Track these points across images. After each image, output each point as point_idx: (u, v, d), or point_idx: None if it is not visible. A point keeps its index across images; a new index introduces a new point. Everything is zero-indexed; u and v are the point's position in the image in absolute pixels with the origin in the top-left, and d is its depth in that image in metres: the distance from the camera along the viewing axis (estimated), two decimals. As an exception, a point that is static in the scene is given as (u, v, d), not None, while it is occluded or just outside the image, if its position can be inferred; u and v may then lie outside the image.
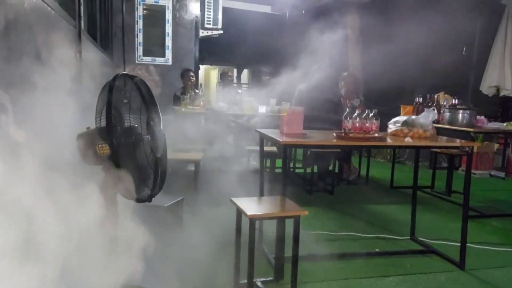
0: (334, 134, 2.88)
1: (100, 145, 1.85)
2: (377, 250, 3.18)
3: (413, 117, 3.05)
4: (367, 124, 3.00)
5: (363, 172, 5.51)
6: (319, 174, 5.07)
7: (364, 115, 3.03)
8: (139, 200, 1.98)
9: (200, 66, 11.04)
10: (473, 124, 4.17)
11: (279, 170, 5.30)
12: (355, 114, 3.02)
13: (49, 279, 1.34)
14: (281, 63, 9.14)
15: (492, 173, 6.27)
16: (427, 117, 3.04)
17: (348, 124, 3.03)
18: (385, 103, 8.20)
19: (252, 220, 2.26)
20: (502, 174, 6.06)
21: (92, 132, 1.90)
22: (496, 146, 6.48)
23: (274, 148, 4.71)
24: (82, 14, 3.39)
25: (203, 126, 5.76)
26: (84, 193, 1.74)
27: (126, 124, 1.91)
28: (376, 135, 2.81)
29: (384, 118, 3.63)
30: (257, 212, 2.28)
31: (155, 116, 2.05)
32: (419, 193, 4.97)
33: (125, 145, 1.89)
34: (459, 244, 3.26)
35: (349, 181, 5.36)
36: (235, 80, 7.64)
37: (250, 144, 6.74)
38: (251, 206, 2.37)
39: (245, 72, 17.84)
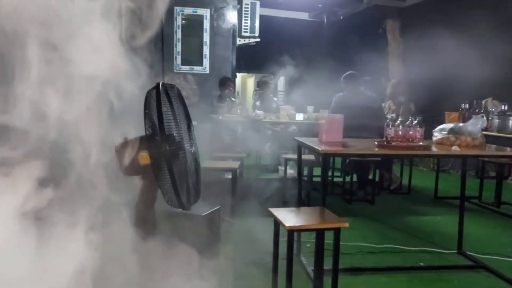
0: (376, 142, 2.77)
1: (141, 154, 1.84)
2: (421, 264, 3.03)
3: (460, 124, 2.90)
4: (410, 132, 2.87)
5: (405, 181, 5.31)
6: (359, 183, 4.93)
7: (407, 123, 2.90)
8: (178, 207, 1.97)
9: (237, 74, 11.12)
10: (525, 131, 3.93)
11: (317, 179, 5.22)
12: (398, 121, 2.89)
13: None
14: (319, 70, 9.06)
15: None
16: (476, 124, 2.87)
17: (390, 132, 2.91)
18: (428, 109, 7.94)
19: (291, 231, 2.20)
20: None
21: (132, 142, 1.90)
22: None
23: (312, 157, 4.62)
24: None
25: (240, 134, 5.74)
26: (119, 204, 1.74)
27: (167, 132, 1.89)
28: (421, 143, 2.68)
29: (427, 125, 3.48)
30: (296, 223, 2.21)
31: (191, 125, 2.03)
32: (466, 204, 4.75)
33: (166, 153, 1.87)
34: (510, 259, 3.08)
35: (390, 191, 5.18)
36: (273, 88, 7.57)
37: (287, 152, 6.69)
38: (289, 217, 2.30)
39: (281, 80, 17.82)
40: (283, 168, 5.65)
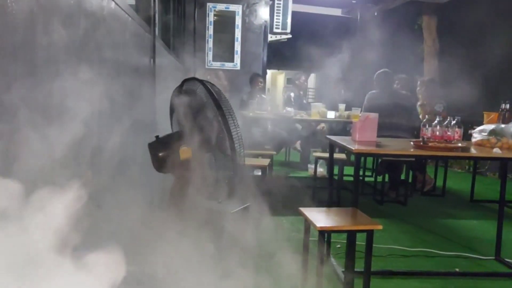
0: (412, 143, 2.68)
1: (183, 149, 1.84)
2: (457, 269, 2.91)
3: (502, 125, 2.77)
4: (448, 133, 2.77)
5: (439, 183, 5.14)
6: (391, 183, 4.81)
7: (445, 123, 2.79)
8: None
9: (267, 70, 11.07)
10: None
11: (348, 178, 5.13)
12: (436, 121, 2.79)
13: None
14: (352, 67, 8.90)
15: None
16: (519, 126, 2.73)
17: (427, 132, 2.81)
18: (465, 109, 7.67)
19: (322, 232, 2.15)
20: None
21: (170, 137, 1.90)
22: None
23: (343, 155, 4.54)
24: (157, 21, 3.48)
25: (270, 131, 5.71)
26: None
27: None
28: (460, 144, 2.58)
29: (465, 126, 3.34)
30: (327, 224, 2.16)
31: (230, 118, 1.99)
32: (505, 209, 4.56)
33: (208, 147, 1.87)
34: (553, 268, 2.93)
35: (423, 192, 5.02)
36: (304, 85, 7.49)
37: (317, 150, 6.61)
38: (320, 218, 2.26)
39: (312, 77, 17.66)
40: (313, 166, 5.59)
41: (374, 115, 2.84)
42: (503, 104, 4.41)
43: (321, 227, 2.12)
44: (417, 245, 3.34)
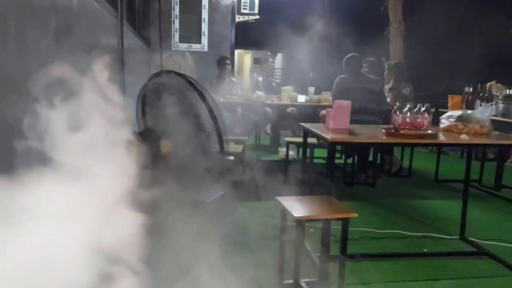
0: (383, 130, 2.73)
1: (163, 143, 1.82)
2: (425, 250, 3.04)
3: (469, 112, 2.87)
4: (418, 119, 2.84)
5: (406, 163, 5.30)
6: (360, 166, 4.91)
7: (415, 109, 2.86)
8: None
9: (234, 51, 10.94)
10: (530, 117, 3.91)
11: (318, 160, 5.21)
12: (406, 108, 2.86)
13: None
14: (318, 48, 8.92)
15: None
16: (484, 112, 2.84)
17: (398, 118, 2.87)
18: (430, 91, 7.88)
19: (300, 221, 2.18)
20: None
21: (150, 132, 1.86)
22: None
23: (314, 139, 4.58)
24: (123, 5, 3.35)
25: (240, 115, 5.68)
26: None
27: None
28: (430, 131, 2.65)
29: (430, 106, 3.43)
30: (304, 213, 2.19)
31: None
32: (462, 188, 4.76)
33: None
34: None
35: (391, 174, 5.18)
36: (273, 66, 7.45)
37: (287, 133, 6.66)
38: (297, 207, 2.28)
39: (279, 57, 17.61)
40: (283, 149, 5.63)
41: (347, 103, 2.88)
42: (467, 88, 4.58)
43: (298, 216, 2.14)
44: (387, 227, 3.45)
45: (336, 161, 5.46)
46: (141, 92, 2.14)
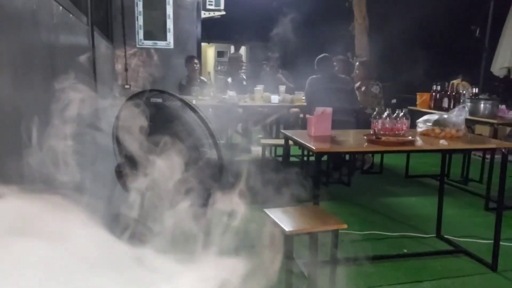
0: (365, 136, 2.76)
1: None
2: (405, 251, 3.13)
3: (445, 116, 2.95)
4: (397, 125, 2.89)
5: (377, 159, 5.42)
6: (334, 164, 4.98)
7: (394, 115, 2.91)
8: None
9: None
10: (496, 115, 4.07)
11: (293, 159, 5.23)
12: (385, 114, 2.90)
13: None
14: (284, 43, 8.91)
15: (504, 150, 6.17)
16: (459, 115, 2.93)
17: (377, 124, 2.92)
18: (396, 89, 8.07)
19: (290, 236, 2.18)
20: (514, 158, 5.99)
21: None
22: (509, 129, 6.38)
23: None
24: (91, 9, 3.19)
25: (211, 115, 5.60)
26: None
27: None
28: (410, 137, 2.70)
29: (403, 106, 3.49)
30: (295, 227, 2.19)
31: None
32: (433, 182, 4.94)
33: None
34: (486, 241, 3.23)
35: (363, 171, 5.27)
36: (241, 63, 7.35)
37: (256, 130, 6.65)
38: (286, 220, 2.28)
39: (243, 49, 17.51)
40: (256, 148, 5.63)
41: (328, 110, 2.89)
42: (434, 86, 4.70)
43: (289, 231, 2.14)
44: (366, 227, 3.52)
45: (310, 158, 5.54)
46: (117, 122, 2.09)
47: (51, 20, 1.80)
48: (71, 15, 2.20)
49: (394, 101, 6.93)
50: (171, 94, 1.86)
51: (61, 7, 1.92)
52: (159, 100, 1.90)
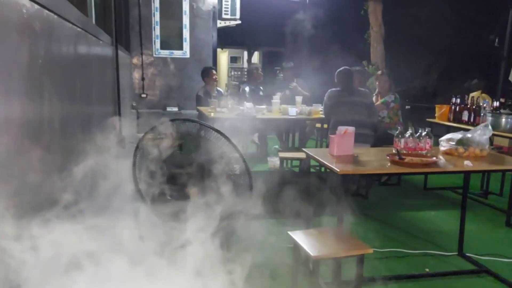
0: (388, 156, 2.76)
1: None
2: (427, 270, 3.11)
3: (468, 135, 2.93)
4: (421, 144, 2.89)
5: (394, 171, 5.38)
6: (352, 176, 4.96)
7: (417, 134, 2.91)
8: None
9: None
10: (517, 129, 4.03)
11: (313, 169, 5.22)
12: (408, 133, 2.90)
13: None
14: (300, 52, 8.92)
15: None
16: (483, 134, 2.91)
17: (400, 143, 2.91)
18: (412, 93, 8.04)
19: (317, 261, 2.19)
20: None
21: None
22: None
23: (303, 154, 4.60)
24: (116, 31, 3.26)
25: (228, 126, 5.62)
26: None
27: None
28: (435, 158, 2.70)
29: (417, 115, 3.43)
30: (321, 252, 2.20)
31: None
32: (452, 195, 4.90)
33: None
34: (509, 260, 3.21)
35: (381, 182, 5.25)
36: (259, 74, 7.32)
37: (272, 138, 6.67)
38: (311, 243, 2.29)
39: (256, 55, 17.56)
40: (273, 159, 5.64)
41: (351, 129, 2.89)
42: (454, 99, 4.67)
43: (315, 256, 2.15)
44: (386, 244, 3.50)
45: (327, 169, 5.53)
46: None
47: (93, 50, 1.86)
48: (101, 42, 2.26)
49: (408, 107, 6.89)
50: (206, 125, 1.90)
51: (94, 38, 1.97)
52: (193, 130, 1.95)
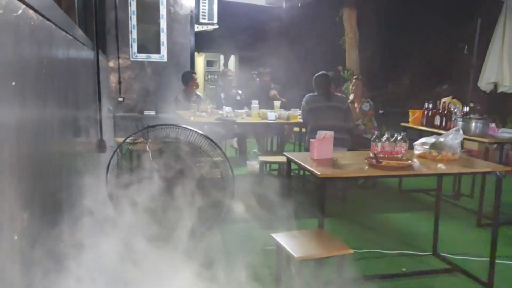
0: (366, 160, 2.86)
1: None
2: (403, 269, 3.22)
3: (441, 139, 3.05)
4: (396, 148, 2.99)
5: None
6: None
7: (393, 139, 3.02)
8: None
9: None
10: (486, 133, 4.21)
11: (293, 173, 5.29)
12: (384, 138, 3.01)
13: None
14: (276, 56, 9.02)
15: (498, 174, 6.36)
16: (455, 139, 3.04)
17: (377, 147, 3.02)
18: (385, 98, 8.25)
19: (299, 262, 2.25)
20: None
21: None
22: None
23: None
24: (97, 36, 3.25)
25: (208, 131, 5.65)
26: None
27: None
28: (409, 161, 2.81)
29: (391, 118, 3.53)
30: (304, 253, 2.26)
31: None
32: (426, 197, 5.07)
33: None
34: (481, 259, 3.34)
35: (357, 186, 5.37)
36: (232, 76, 7.37)
37: (251, 141, 6.72)
38: (294, 245, 2.35)
39: (232, 59, 17.60)
40: (252, 163, 5.69)
41: (330, 134, 2.97)
42: (426, 104, 4.84)
43: (299, 257, 2.21)
44: (364, 245, 3.60)
45: (306, 172, 5.63)
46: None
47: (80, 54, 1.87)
48: (86, 47, 2.26)
49: (381, 111, 7.07)
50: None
51: (79, 43, 1.98)
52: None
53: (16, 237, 0.97)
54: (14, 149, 0.99)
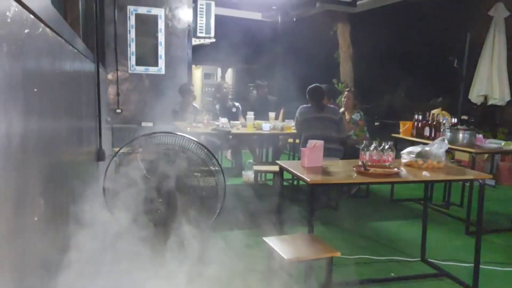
0: (354, 168, 2.98)
1: None
2: (392, 274, 3.32)
3: (427, 148, 3.18)
4: (384, 156, 3.12)
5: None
6: (322, 189, 5.17)
7: (380, 148, 3.15)
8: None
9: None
10: (473, 144, 4.35)
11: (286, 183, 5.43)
12: (372, 147, 3.14)
13: None
14: (272, 70, 9.20)
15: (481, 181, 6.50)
16: (440, 148, 3.17)
17: (365, 155, 3.15)
18: (379, 110, 8.41)
19: (290, 264, 2.36)
20: (492, 182, 6.30)
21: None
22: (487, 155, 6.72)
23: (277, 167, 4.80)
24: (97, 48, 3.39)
25: (204, 141, 5.77)
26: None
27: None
28: (396, 169, 2.93)
29: (386, 130, 3.67)
30: (294, 255, 2.37)
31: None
32: (416, 206, 5.18)
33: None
34: (468, 264, 3.45)
35: (350, 194, 5.49)
36: (230, 90, 7.56)
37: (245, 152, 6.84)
38: (284, 248, 2.46)
39: (229, 72, 17.81)
40: (247, 173, 5.81)
41: (320, 143, 3.10)
42: (416, 115, 4.99)
43: (289, 258, 2.32)
44: (355, 252, 3.71)
45: (300, 182, 5.75)
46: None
47: (80, 65, 2.00)
48: (88, 60, 2.40)
49: (377, 123, 7.21)
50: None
51: (83, 56, 2.11)
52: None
53: (17, 243, 1.06)
54: (19, 157, 1.08)
